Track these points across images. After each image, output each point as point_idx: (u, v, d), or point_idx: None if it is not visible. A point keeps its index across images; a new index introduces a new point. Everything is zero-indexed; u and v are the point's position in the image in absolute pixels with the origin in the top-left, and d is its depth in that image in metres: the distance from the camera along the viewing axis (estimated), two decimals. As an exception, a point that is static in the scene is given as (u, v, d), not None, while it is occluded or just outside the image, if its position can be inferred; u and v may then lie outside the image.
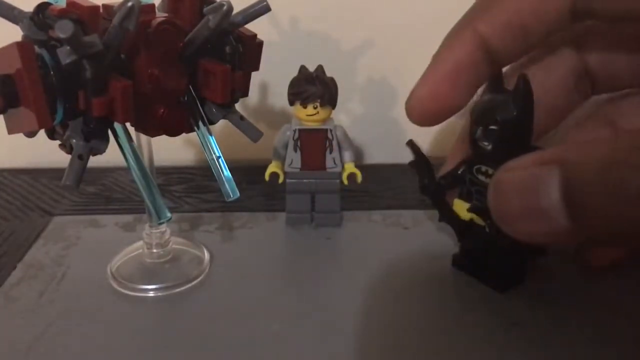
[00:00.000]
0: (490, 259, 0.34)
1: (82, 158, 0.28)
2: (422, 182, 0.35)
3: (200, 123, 0.32)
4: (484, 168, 0.32)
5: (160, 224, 0.31)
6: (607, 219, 0.20)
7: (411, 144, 0.35)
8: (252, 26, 0.32)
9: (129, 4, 0.25)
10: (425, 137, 0.36)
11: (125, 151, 0.30)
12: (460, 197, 0.35)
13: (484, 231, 0.34)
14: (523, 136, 0.31)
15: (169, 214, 0.30)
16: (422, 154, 0.35)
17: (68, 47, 0.25)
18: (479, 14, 0.29)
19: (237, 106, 0.34)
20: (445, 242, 0.40)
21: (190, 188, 0.49)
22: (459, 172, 0.34)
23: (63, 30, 0.24)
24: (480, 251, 0.35)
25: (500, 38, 0.28)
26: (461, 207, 0.34)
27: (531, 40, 0.29)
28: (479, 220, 0.34)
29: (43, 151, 0.36)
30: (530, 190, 0.22)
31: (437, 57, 0.30)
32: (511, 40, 0.29)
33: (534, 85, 0.29)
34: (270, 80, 0.52)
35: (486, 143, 0.31)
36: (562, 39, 0.31)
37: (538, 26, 0.28)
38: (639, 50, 0.29)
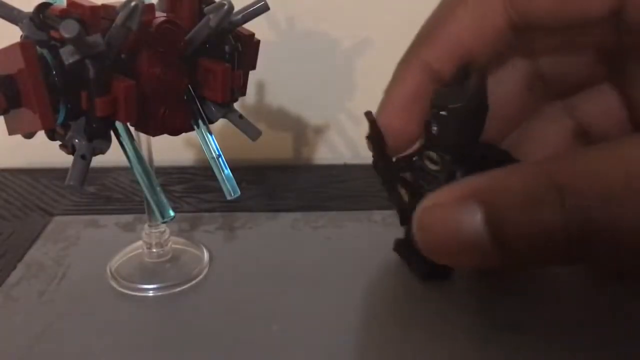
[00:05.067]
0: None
1: (85, 158, 0.28)
2: (376, 158, 0.35)
3: (200, 122, 0.32)
4: (431, 154, 0.32)
5: (164, 222, 0.31)
6: (530, 251, 0.22)
7: (369, 115, 0.34)
8: (250, 25, 0.33)
9: (133, 3, 0.25)
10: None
11: (128, 150, 0.30)
12: (403, 183, 0.34)
13: None
14: (472, 130, 0.31)
15: (172, 213, 0.30)
16: (378, 128, 0.34)
17: (71, 47, 0.25)
18: (423, 44, 0.29)
19: (236, 105, 0.34)
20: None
21: (190, 188, 0.49)
22: (414, 158, 0.34)
23: (68, 30, 0.24)
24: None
25: (447, 65, 0.29)
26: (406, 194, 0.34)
27: (480, 61, 0.29)
28: None
29: (43, 151, 0.36)
30: (455, 228, 0.22)
31: (388, 92, 0.31)
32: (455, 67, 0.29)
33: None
34: (269, 79, 0.52)
35: (435, 127, 0.31)
36: (511, 52, 0.32)
37: (482, 47, 0.28)
38: (588, 51, 0.29)
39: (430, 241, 0.24)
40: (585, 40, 0.29)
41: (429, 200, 0.24)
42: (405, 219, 0.35)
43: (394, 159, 0.34)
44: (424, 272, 0.35)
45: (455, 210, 0.23)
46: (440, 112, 0.31)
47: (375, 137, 0.34)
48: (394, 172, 0.34)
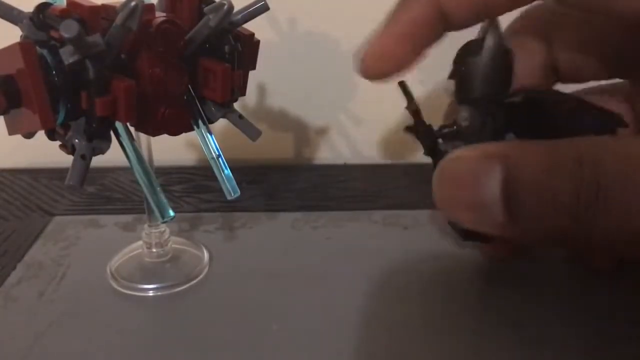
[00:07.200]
0: None
1: (85, 158, 0.28)
2: (417, 126, 0.34)
3: (200, 122, 0.32)
4: (462, 112, 0.32)
5: (164, 222, 0.31)
6: (538, 222, 0.22)
7: (403, 85, 0.34)
8: (250, 25, 0.33)
9: (133, 3, 0.25)
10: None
11: (128, 150, 0.30)
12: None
13: None
14: (497, 80, 0.30)
15: (172, 213, 0.30)
16: (412, 97, 0.34)
17: (71, 47, 0.25)
18: None
19: (236, 106, 0.34)
20: (445, 242, 0.40)
21: (190, 188, 0.49)
22: (454, 127, 0.33)
23: (68, 30, 0.24)
24: None
25: (459, 7, 0.28)
26: None
27: (490, 14, 0.29)
28: None
29: (43, 151, 0.36)
30: (473, 181, 0.23)
31: (392, 18, 0.30)
32: (470, 12, 0.29)
33: None
34: (269, 80, 0.52)
35: (459, 82, 0.31)
36: (532, 33, 0.32)
37: (500, 5, 0.28)
38: (604, 44, 0.30)
39: (446, 190, 0.24)
40: (603, 42, 0.29)
41: (455, 153, 0.24)
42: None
43: (435, 128, 0.33)
44: (463, 234, 0.34)
45: (477, 165, 0.23)
46: (462, 67, 0.31)
47: (414, 106, 0.34)
48: (434, 138, 0.34)
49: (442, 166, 0.24)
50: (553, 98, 0.32)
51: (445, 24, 0.29)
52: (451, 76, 0.31)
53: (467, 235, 0.34)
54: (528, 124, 0.30)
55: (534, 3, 0.28)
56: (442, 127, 0.34)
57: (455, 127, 0.32)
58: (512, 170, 0.22)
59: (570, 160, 0.21)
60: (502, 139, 0.30)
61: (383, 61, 0.30)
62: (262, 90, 0.53)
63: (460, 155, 0.24)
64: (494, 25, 0.30)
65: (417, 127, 0.34)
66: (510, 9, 0.29)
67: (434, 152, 0.34)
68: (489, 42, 0.30)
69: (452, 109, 0.35)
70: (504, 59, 0.31)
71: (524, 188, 0.22)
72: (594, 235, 0.21)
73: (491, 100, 0.31)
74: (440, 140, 0.33)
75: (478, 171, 0.23)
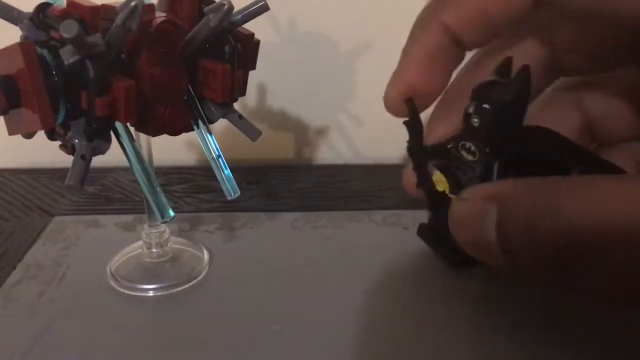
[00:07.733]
0: (451, 234, 0.34)
1: (85, 158, 0.28)
2: (411, 143, 0.35)
3: (200, 122, 0.32)
4: (468, 144, 0.32)
5: (164, 222, 0.31)
6: (529, 262, 0.23)
7: (410, 103, 0.34)
8: (250, 25, 0.33)
9: (133, 3, 0.25)
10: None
11: (128, 150, 0.30)
12: (441, 170, 0.34)
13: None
14: (512, 122, 0.31)
15: (172, 213, 0.30)
16: (418, 116, 0.34)
17: (71, 47, 0.25)
18: (443, 6, 0.30)
19: (236, 106, 0.34)
20: (445, 242, 0.40)
21: (190, 188, 0.49)
22: (448, 146, 0.34)
23: (68, 30, 0.24)
24: (444, 224, 0.34)
25: (465, 29, 0.29)
26: (439, 180, 0.34)
27: (495, 31, 0.30)
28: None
29: (43, 151, 0.36)
30: (474, 224, 0.24)
31: (406, 51, 0.31)
32: (476, 32, 0.29)
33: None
34: (269, 80, 0.52)
35: (476, 120, 0.31)
36: (530, 32, 0.32)
37: (501, 18, 0.29)
38: (603, 38, 0.30)
39: (458, 232, 0.26)
40: (602, 38, 0.29)
41: (465, 194, 0.26)
42: (434, 204, 0.35)
43: (427, 146, 0.34)
44: (450, 259, 0.36)
45: (479, 208, 0.24)
46: (484, 105, 0.31)
47: (414, 123, 0.34)
48: (428, 158, 0.34)
49: (453, 207, 0.26)
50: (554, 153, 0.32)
51: (460, 46, 0.30)
52: (473, 112, 0.31)
53: (454, 263, 0.36)
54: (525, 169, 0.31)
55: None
56: (435, 147, 0.34)
57: (452, 150, 0.33)
58: (505, 211, 0.23)
59: (550, 206, 0.22)
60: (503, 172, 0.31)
61: (408, 97, 0.31)
62: (262, 90, 0.53)
63: (467, 196, 0.26)
64: (525, 70, 0.30)
65: (411, 144, 0.34)
66: (511, 23, 0.29)
67: (421, 172, 0.34)
68: (517, 86, 0.30)
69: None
70: (525, 104, 0.31)
71: (514, 230, 0.23)
72: (581, 282, 0.22)
73: (501, 141, 0.32)
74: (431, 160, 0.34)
75: (478, 214, 0.24)
